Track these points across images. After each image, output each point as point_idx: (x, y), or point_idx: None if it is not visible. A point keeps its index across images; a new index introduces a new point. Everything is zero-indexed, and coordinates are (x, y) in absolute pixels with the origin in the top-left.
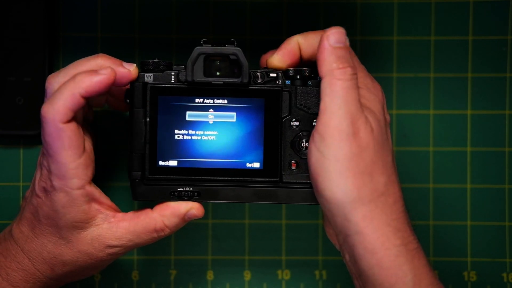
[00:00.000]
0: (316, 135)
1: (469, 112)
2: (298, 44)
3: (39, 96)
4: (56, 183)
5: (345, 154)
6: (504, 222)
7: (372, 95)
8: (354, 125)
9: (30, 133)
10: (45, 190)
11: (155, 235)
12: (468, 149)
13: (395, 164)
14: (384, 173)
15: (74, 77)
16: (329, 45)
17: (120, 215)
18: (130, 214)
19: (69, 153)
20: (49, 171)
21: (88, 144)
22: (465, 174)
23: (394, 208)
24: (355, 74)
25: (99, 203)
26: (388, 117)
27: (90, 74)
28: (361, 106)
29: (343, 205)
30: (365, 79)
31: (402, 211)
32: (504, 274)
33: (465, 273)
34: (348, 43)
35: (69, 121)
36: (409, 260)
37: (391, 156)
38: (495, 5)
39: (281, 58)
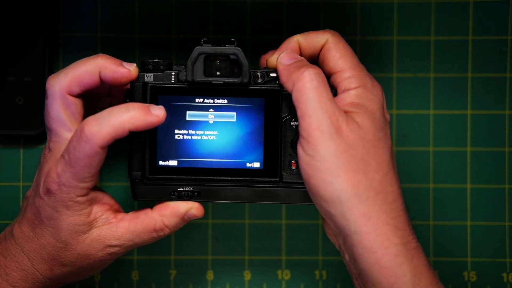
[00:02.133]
0: (301, 140)
1: (469, 112)
2: (298, 43)
3: (39, 96)
4: (64, 187)
5: (332, 152)
6: (504, 222)
7: (371, 94)
8: (334, 123)
9: (30, 133)
10: (49, 191)
11: (154, 234)
12: (468, 149)
13: (394, 163)
14: (379, 170)
15: (128, 108)
16: (283, 65)
17: (120, 215)
18: (130, 214)
19: (92, 171)
20: (60, 176)
21: None
22: (465, 174)
23: (393, 206)
24: (319, 72)
25: (101, 204)
26: (388, 116)
27: (145, 114)
28: (336, 102)
29: (340, 203)
30: (364, 78)
31: (401, 210)
32: (504, 274)
33: (465, 273)
34: (300, 57)
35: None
36: (408, 259)
37: (389, 154)
38: (495, 5)
39: None
